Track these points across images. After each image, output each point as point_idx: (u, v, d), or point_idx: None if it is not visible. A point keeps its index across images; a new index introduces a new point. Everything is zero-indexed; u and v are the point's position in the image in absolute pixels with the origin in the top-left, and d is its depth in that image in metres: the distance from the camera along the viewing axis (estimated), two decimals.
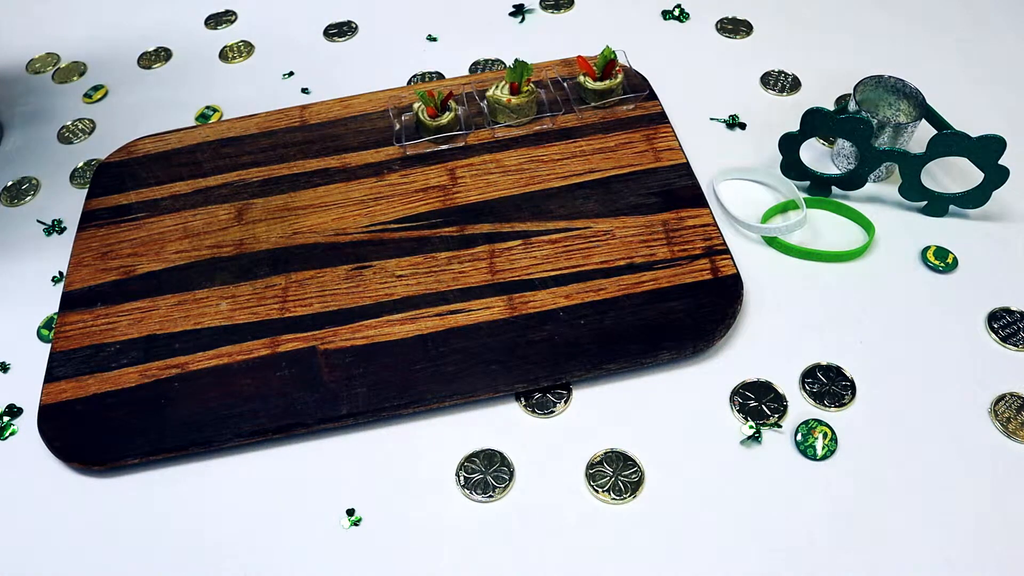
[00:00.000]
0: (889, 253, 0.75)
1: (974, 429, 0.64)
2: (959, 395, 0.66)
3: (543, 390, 0.68)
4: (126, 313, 0.73)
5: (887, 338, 0.70)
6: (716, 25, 0.98)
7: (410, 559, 0.60)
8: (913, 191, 0.76)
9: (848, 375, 0.68)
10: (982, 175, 0.74)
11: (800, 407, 0.66)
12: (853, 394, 0.67)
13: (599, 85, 0.84)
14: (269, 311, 0.72)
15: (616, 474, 0.63)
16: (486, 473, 0.64)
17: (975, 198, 0.75)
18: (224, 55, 1.00)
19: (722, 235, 0.74)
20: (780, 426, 0.65)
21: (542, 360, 0.67)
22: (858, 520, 0.60)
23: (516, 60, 0.82)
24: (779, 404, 0.66)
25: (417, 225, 0.77)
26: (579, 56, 0.86)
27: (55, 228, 0.83)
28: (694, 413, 0.66)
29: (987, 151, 0.71)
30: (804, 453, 0.64)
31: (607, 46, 0.84)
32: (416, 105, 0.83)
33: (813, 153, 0.83)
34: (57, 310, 0.75)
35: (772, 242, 0.76)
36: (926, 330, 0.70)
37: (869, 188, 0.79)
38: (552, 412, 0.67)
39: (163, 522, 0.63)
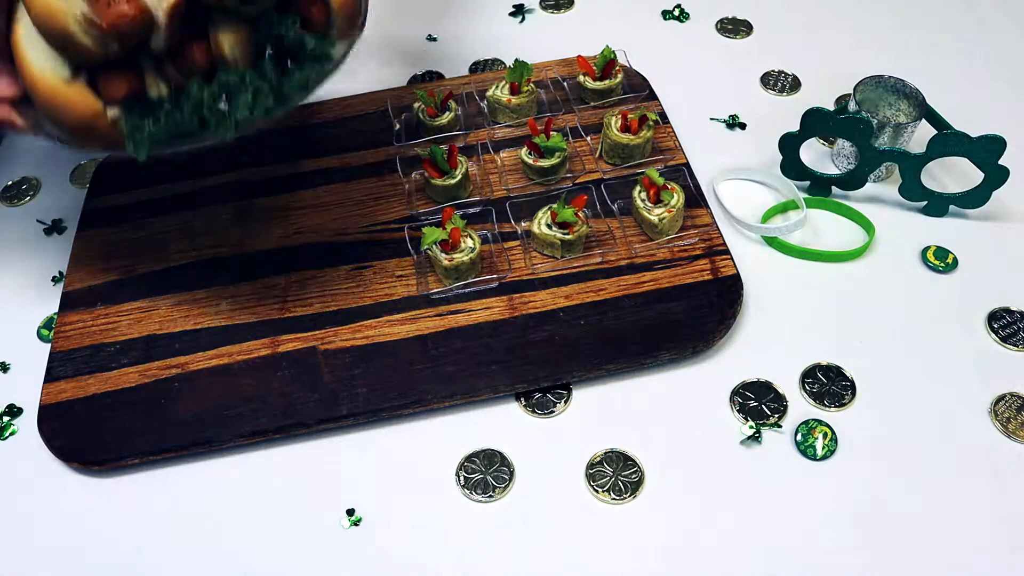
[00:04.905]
0: (889, 253, 0.75)
1: (974, 429, 0.64)
2: (959, 395, 0.66)
3: (543, 390, 0.68)
4: (126, 313, 0.73)
5: (887, 338, 0.70)
6: (716, 25, 0.98)
7: (410, 559, 0.60)
8: (913, 191, 0.76)
9: (848, 375, 0.68)
10: (982, 175, 0.74)
11: (800, 407, 0.66)
12: (853, 394, 0.67)
13: (599, 85, 0.84)
14: (269, 311, 0.72)
15: (616, 474, 0.63)
16: (486, 473, 0.64)
17: (975, 198, 0.75)
18: None
19: (722, 235, 0.74)
20: (780, 426, 0.65)
21: (542, 360, 0.67)
22: (858, 520, 0.60)
23: (516, 60, 0.82)
24: (779, 404, 0.66)
25: (417, 225, 0.76)
26: (579, 56, 0.86)
27: (55, 228, 0.83)
28: (694, 413, 0.66)
29: (987, 151, 0.71)
30: (804, 453, 0.64)
31: (607, 46, 0.84)
32: (416, 105, 0.83)
33: (813, 153, 0.83)
34: (57, 310, 0.75)
35: (772, 242, 0.76)
36: (926, 330, 0.70)
37: (869, 188, 0.79)
38: (552, 412, 0.67)
39: (163, 522, 0.63)
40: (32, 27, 0.57)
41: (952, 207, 0.77)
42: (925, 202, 0.77)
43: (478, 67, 0.94)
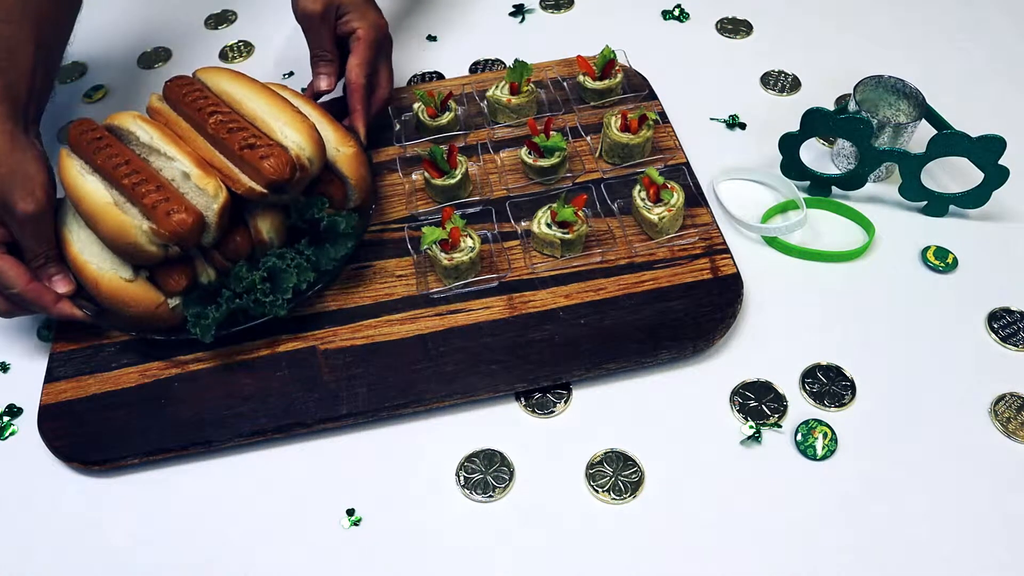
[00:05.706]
0: (889, 253, 0.75)
1: (974, 429, 0.64)
2: (959, 395, 0.66)
3: (543, 390, 0.68)
4: None
5: (887, 338, 0.70)
6: (716, 25, 0.98)
7: (410, 559, 0.60)
8: (913, 191, 0.76)
9: (848, 375, 0.68)
10: (982, 175, 0.74)
11: (800, 407, 0.66)
12: (853, 394, 0.67)
13: (599, 85, 0.84)
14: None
15: (616, 474, 0.63)
16: (486, 473, 0.64)
17: (975, 198, 0.75)
18: (224, 55, 1.00)
19: (722, 235, 0.74)
20: (780, 426, 0.65)
21: (542, 360, 0.67)
22: (858, 520, 0.60)
23: (516, 60, 0.82)
24: (779, 404, 0.66)
25: (417, 225, 0.76)
26: (579, 56, 0.86)
27: None
28: (694, 413, 0.66)
29: (987, 151, 0.71)
30: (804, 453, 0.64)
31: (607, 46, 0.84)
32: (416, 105, 0.83)
33: (813, 153, 0.83)
34: None
35: (772, 242, 0.76)
36: (926, 330, 0.70)
37: (869, 188, 0.79)
38: (552, 412, 0.67)
39: (163, 522, 0.63)
40: (82, 235, 0.65)
41: (952, 207, 0.77)
42: (925, 202, 0.77)
43: (478, 67, 0.94)
